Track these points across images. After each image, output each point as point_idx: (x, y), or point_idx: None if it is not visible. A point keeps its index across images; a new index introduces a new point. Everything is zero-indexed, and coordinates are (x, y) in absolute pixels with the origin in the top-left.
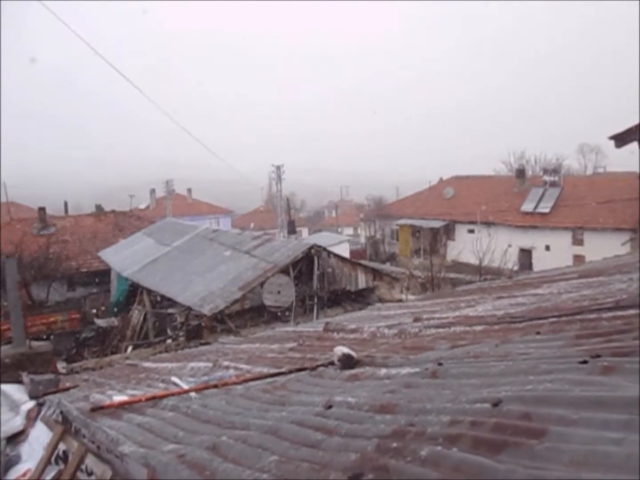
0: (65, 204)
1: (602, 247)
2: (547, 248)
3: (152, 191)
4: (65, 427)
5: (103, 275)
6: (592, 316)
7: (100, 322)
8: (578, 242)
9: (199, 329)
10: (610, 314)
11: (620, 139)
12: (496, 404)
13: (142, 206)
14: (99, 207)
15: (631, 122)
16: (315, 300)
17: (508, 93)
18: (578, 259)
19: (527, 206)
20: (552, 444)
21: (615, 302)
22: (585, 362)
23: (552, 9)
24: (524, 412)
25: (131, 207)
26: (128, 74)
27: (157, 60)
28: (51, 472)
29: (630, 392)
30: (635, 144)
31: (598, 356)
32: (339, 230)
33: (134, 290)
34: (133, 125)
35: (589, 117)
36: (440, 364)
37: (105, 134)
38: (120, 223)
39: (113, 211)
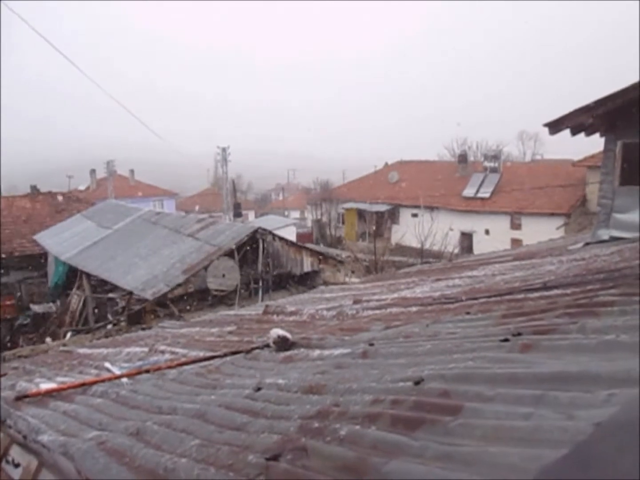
0: None
1: (539, 231)
2: (487, 232)
3: (92, 172)
4: None
5: (39, 259)
6: (520, 296)
7: (37, 308)
8: (516, 226)
9: (141, 313)
10: (537, 294)
11: (554, 127)
12: (418, 382)
13: (82, 187)
14: (34, 188)
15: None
16: (260, 283)
17: (453, 82)
18: (516, 242)
19: (469, 191)
20: (466, 420)
21: (543, 283)
22: (506, 340)
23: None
24: (444, 390)
25: (70, 189)
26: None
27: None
28: None
29: (544, 368)
30: (567, 132)
31: (519, 334)
32: (286, 213)
33: (73, 275)
34: (71, 105)
35: (529, 105)
36: (371, 345)
37: (40, 114)
38: (58, 205)
39: (50, 192)
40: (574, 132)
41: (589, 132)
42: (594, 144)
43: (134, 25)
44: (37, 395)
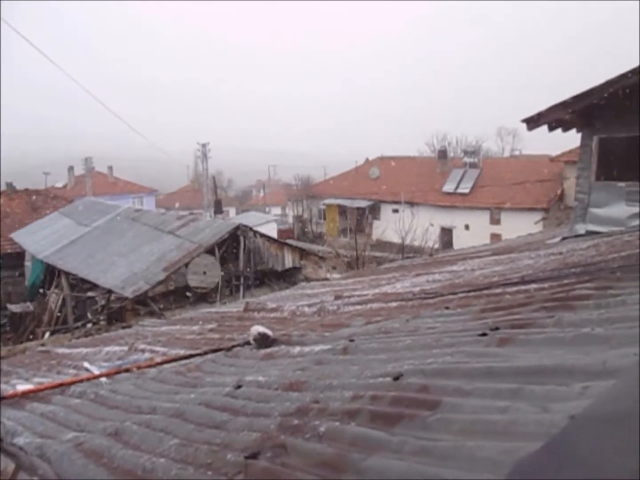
0: None
1: (518, 226)
2: (467, 227)
3: (70, 169)
4: None
5: (16, 258)
6: (498, 291)
7: (14, 308)
8: (495, 221)
9: (121, 312)
10: (514, 289)
11: (531, 122)
12: (397, 377)
13: (59, 185)
14: (10, 185)
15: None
16: (242, 280)
17: (433, 80)
18: (495, 237)
19: (448, 186)
20: (444, 415)
21: (521, 277)
22: (484, 334)
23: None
24: (422, 385)
25: (47, 186)
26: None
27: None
28: None
29: (521, 362)
30: (545, 127)
31: (497, 328)
32: (267, 209)
33: (51, 274)
34: (47, 98)
35: (507, 101)
36: (352, 340)
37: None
38: (35, 202)
39: (27, 190)
40: (552, 128)
41: (566, 128)
42: (572, 139)
43: (131, 20)
44: (14, 397)
